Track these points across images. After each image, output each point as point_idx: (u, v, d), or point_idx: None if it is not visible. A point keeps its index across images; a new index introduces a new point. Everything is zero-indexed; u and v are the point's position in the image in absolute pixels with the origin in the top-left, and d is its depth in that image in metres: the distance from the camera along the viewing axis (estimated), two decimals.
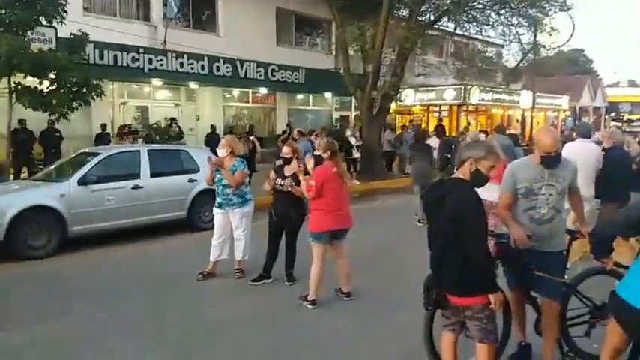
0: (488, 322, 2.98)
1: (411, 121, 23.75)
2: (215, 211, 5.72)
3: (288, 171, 5.30)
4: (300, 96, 18.88)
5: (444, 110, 22.93)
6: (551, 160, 3.36)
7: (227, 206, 5.56)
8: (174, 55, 13.52)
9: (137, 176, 7.56)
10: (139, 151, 7.91)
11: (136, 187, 7.48)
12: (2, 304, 4.97)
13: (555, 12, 16.39)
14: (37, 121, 10.93)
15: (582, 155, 6.35)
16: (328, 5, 15.18)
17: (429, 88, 21.50)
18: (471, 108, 23.10)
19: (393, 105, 22.67)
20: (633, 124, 34.11)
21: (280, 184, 5.27)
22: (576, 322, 3.61)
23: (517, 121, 25.91)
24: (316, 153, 4.93)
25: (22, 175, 10.82)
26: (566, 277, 3.84)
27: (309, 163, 5.10)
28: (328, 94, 19.05)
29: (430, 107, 23.16)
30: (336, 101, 20.21)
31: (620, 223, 2.84)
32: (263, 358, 3.89)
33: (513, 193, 3.54)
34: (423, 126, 22.90)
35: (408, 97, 21.93)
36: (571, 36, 19.46)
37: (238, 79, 14.94)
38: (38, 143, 11.73)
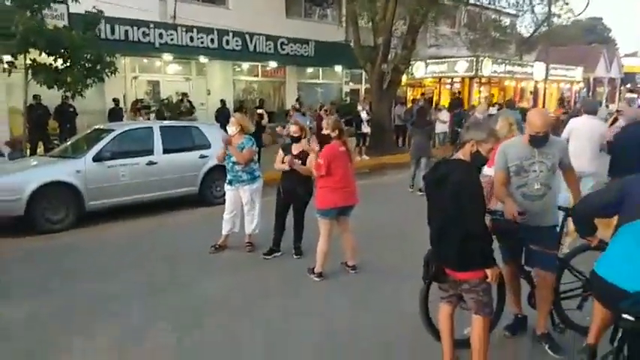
0: (484, 295, 3.15)
1: (422, 94, 23.57)
2: (226, 187, 5.93)
3: (296, 149, 5.45)
4: (310, 69, 18.79)
5: (456, 82, 22.72)
6: (539, 140, 3.51)
7: (237, 183, 5.75)
8: (184, 29, 13.53)
9: (151, 152, 7.76)
10: (151, 127, 8.09)
11: (149, 163, 7.69)
12: (18, 275, 5.27)
13: None
14: (51, 96, 11.08)
15: (587, 131, 6.40)
16: None
17: (441, 60, 21.24)
18: (483, 80, 22.86)
19: (404, 78, 22.60)
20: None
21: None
22: (569, 295, 3.77)
23: (530, 93, 25.60)
24: (324, 132, 5.05)
25: (38, 150, 11.09)
26: (566, 249, 3.98)
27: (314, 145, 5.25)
28: (338, 68, 18.89)
29: (442, 79, 22.94)
30: (347, 74, 20.06)
31: (596, 203, 2.93)
32: (271, 327, 4.12)
33: (506, 171, 3.69)
34: (435, 99, 22.78)
35: (419, 69, 21.71)
36: (586, 6, 19.05)
37: (248, 52, 14.94)
38: (53, 119, 11.93)
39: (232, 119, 5.83)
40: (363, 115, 14.96)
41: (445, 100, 22.93)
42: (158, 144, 7.83)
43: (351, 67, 18.72)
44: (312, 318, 4.27)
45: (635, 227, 2.48)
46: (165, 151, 7.88)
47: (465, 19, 22.66)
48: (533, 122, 3.49)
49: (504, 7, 18.37)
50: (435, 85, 23.64)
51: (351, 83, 20.60)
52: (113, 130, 7.69)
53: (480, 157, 3.17)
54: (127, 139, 7.74)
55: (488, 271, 3.09)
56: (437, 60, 21.36)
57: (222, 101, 14.63)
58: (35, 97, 11.19)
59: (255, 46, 15.02)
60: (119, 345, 3.83)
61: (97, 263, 5.61)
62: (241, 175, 5.71)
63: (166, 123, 9.36)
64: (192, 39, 13.70)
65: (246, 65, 16.62)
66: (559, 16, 20.57)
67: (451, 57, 20.99)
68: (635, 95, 34.24)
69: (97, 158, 7.22)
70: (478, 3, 18.46)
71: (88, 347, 3.80)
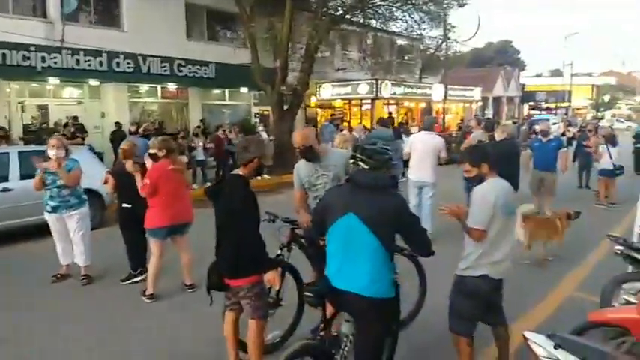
0: (256, 299, 3.35)
1: (332, 114, 24.29)
2: (48, 216, 5.57)
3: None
4: (216, 91, 18.79)
5: (366, 104, 23.62)
6: (304, 153, 3.89)
7: (64, 209, 5.47)
8: (69, 52, 13.11)
9: (5, 179, 7.42)
10: (8, 153, 7.72)
11: (4, 190, 7.35)
12: None
13: (452, 8, 17.26)
14: None
15: (424, 146, 6.98)
16: (235, 1, 15.25)
17: (345, 82, 22.09)
18: (392, 101, 23.97)
19: (313, 99, 23.23)
20: (542, 112, 36.46)
21: None
22: None
23: (436, 112, 27.07)
24: (151, 151, 5.11)
25: None
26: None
27: (148, 163, 5.28)
28: (244, 89, 19.01)
29: (352, 101, 23.78)
30: (255, 96, 20.17)
31: (317, 208, 3.20)
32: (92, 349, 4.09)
33: (302, 188, 4.09)
34: (347, 119, 23.57)
35: (326, 90, 22.45)
36: (476, 31, 20.76)
37: (141, 74, 14.65)
38: None
39: (54, 141, 5.47)
40: (264, 135, 15.26)
41: (354, 120, 23.81)
42: (15, 170, 7.48)
43: (258, 89, 18.93)
44: (132, 339, 4.28)
45: (331, 230, 2.78)
46: (24, 177, 7.51)
47: (369, 44, 23.67)
48: (294, 139, 3.89)
49: (398, 33, 19.45)
50: (345, 106, 24.46)
51: (260, 105, 20.70)
52: None
53: (261, 168, 3.44)
54: None
55: (266, 275, 3.28)
56: (342, 82, 22.18)
57: (117, 124, 14.28)
58: None
59: (149, 68, 14.80)
60: None
61: None
62: (69, 200, 5.48)
63: (26, 148, 8.94)
64: (78, 62, 13.26)
65: (144, 87, 16.33)
66: (456, 41, 21.97)
67: (355, 80, 21.88)
68: (538, 112, 37.35)
69: None
70: (381, 28, 19.32)
71: None
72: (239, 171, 3.41)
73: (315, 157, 3.89)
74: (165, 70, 15.23)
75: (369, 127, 18.28)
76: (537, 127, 18.95)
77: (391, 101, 23.97)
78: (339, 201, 2.77)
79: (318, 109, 24.49)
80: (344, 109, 24.62)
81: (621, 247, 4.26)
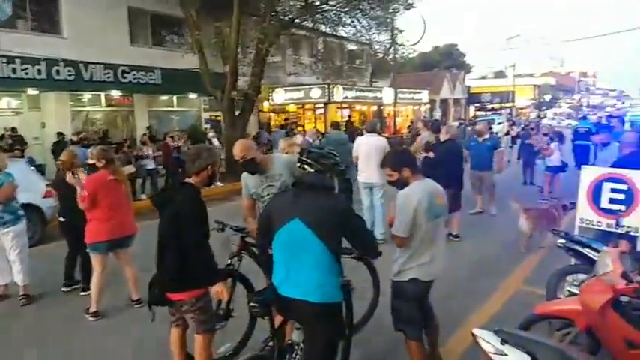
0: (200, 313, 3.20)
1: (286, 119, 24.20)
2: None
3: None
4: (163, 97, 18.25)
5: (319, 108, 23.65)
6: (245, 166, 3.77)
7: None
8: (4, 60, 12.37)
9: None
10: None
11: None
12: None
13: (400, 11, 17.53)
14: None
15: (366, 147, 7.05)
16: (180, 6, 14.93)
17: (297, 87, 22.05)
18: (344, 105, 24.13)
19: (266, 104, 23.06)
20: (488, 113, 37.80)
21: None
22: None
23: (386, 116, 27.51)
24: (89, 161, 4.86)
25: None
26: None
27: (82, 175, 5.01)
28: (193, 95, 18.58)
29: (305, 105, 23.74)
30: (205, 102, 19.73)
31: (261, 216, 3.12)
32: None
33: (249, 198, 3.99)
34: (302, 123, 23.53)
35: (279, 95, 22.33)
36: (422, 35, 21.13)
37: (83, 82, 13.96)
38: None
39: None
40: (215, 142, 14.97)
41: (308, 125, 23.82)
42: None
43: (209, 95, 18.50)
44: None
45: (277, 237, 2.70)
46: None
47: (320, 48, 23.74)
48: (233, 151, 3.76)
49: (348, 38, 19.61)
50: (299, 110, 24.41)
51: (210, 110, 20.25)
52: None
53: (214, 177, 3.35)
54: None
55: (213, 287, 3.15)
56: (294, 87, 22.13)
57: (60, 134, 13.63)
58: None
59: (91, 75, 14.15)
60: None
61: None
62: (3, 216, 5.11)
63: None
64: (15, 70, 12.49)
65: (87, 95, 15.64)
66: (402, 45, 22.37)
67: (307, 84, 21.88)
68: (484, 113, 38.65)
69: None
70: (331, 33, 19.39)
71: None
72: (190, 180, 3.26)
73: (257, 170, 3.78)
74: (108, 77, 14.60)
75: (322, 131, 18.40)
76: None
77: (344, 105, 24.17)
78: (283, 207, 2.70)
79: (272, 114, 24.34)
80: (297, 114, 24.59)
81: (563, 240, 4.41)
